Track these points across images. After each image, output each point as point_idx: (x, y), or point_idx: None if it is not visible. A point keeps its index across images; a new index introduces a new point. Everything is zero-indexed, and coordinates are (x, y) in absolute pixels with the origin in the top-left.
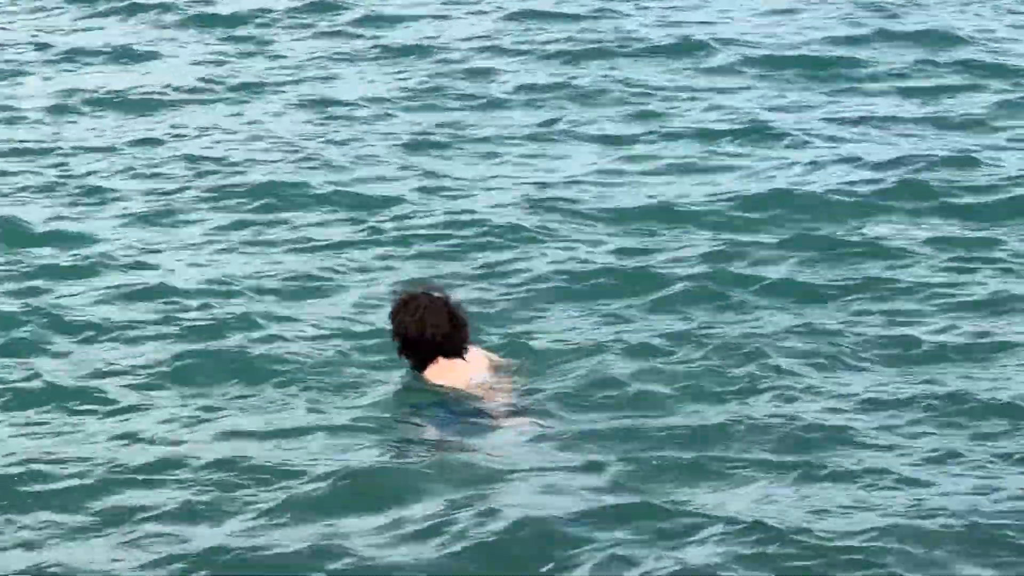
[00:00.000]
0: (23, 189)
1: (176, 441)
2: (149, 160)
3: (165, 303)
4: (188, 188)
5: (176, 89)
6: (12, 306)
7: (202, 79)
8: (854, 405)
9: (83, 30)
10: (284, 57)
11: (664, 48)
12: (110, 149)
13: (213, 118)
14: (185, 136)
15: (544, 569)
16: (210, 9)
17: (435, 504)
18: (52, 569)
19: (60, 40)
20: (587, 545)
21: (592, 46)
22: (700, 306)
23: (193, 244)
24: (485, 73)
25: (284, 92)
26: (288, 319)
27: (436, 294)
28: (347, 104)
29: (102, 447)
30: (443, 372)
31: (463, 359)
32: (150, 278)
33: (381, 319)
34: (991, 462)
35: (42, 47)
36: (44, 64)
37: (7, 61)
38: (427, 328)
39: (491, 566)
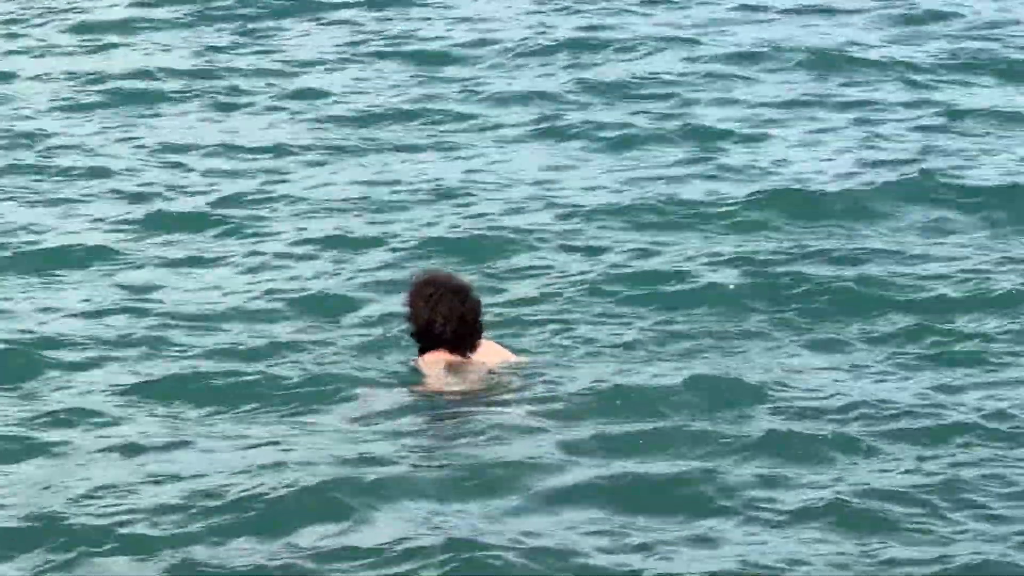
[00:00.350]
0: None
1: (166, 447)
2: (134, 161)
3: (158, 311)
4: (174, 193)
5: (165, 85)
6: None
7: (193, 74)
8: (868, 413)
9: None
10: (278, 53)
11: (670, 45)
12: (88, 150)
13: (201, 119)
14: (171, 136)
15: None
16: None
17: (416, 510)
18: None
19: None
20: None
21: (596, 43)
22: (708, 308)
23: (183, 250)
24: (486, 70)
25: (278, 91)
26: (287, 323)
27: (457, 282)
28: (342, 103)
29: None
30: (436, 366)
31: (466, 356)
32: (137, 285)
33: (382, 322)
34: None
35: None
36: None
37: None
38: (437, 318)
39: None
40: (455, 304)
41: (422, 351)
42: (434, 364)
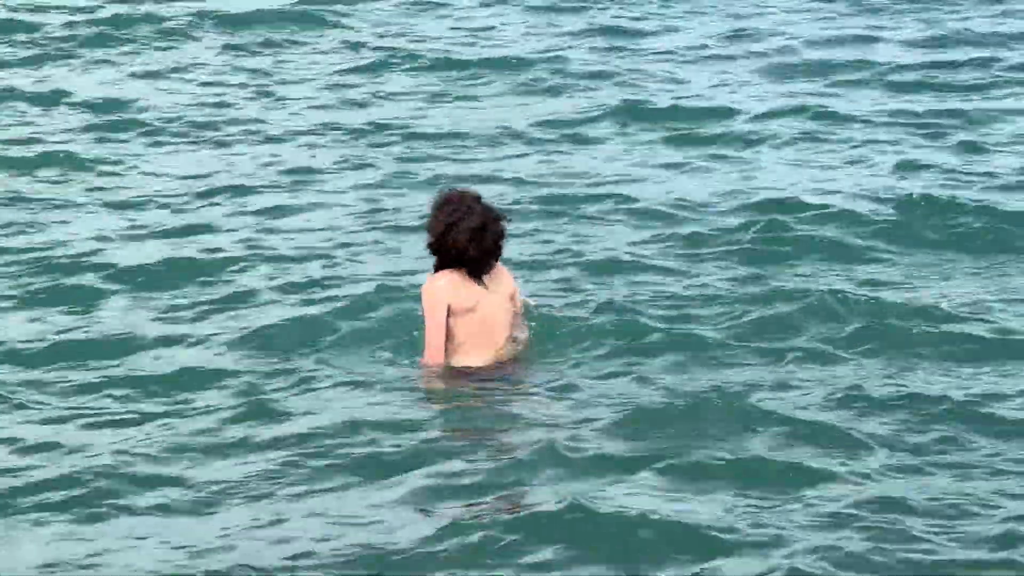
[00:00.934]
0: None
1: (167, 430)
2: (134, 174)
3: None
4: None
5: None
6: None
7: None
8: (877, 426)
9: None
10: (290, 63)
11: (669, 52)
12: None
13: (196, 126)
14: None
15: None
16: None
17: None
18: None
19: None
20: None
21: (594, 51)
22: (716, 312)
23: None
24: (493, 78)
25: (280, 105)
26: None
27: (485, 204)
28: (342, 117)
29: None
30: (447, 284)
31: (479, 279)
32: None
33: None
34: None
35: None
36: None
37: None
38: (460, 235)
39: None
40: (480, 223)
41: (438, 267)
42: (443, 290)
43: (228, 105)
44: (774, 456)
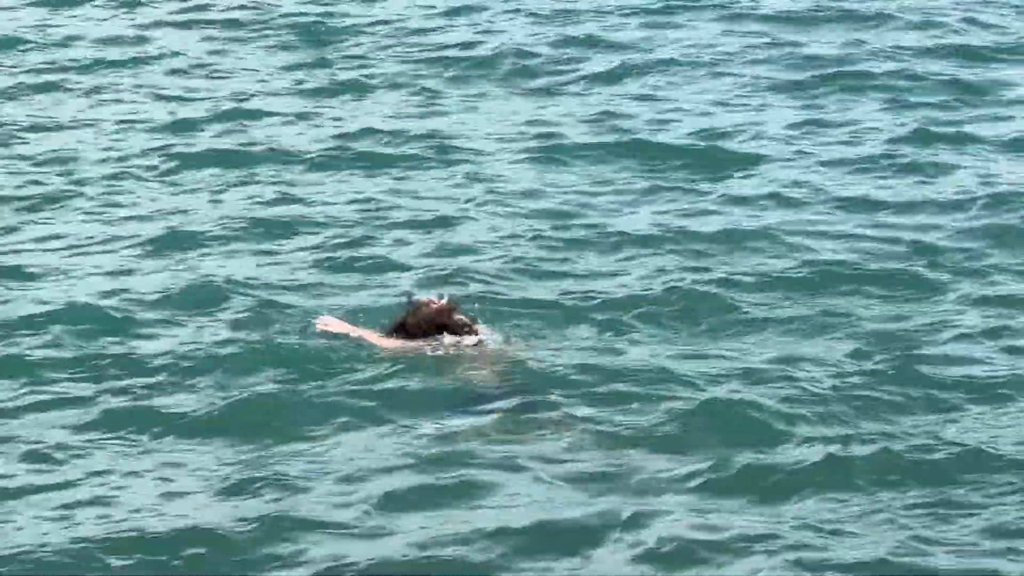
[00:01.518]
0: None
1: (178, 437)
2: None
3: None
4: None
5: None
6: None
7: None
8: (870, 438)
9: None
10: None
11: (656, 67)
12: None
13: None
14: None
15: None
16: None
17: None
18: None
19: None
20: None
21: (578, 70)
22: (705, 327)
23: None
24: (488, 85)
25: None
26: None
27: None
28: (340, 117)
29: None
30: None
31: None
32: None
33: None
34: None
35: None
36: None
37: None
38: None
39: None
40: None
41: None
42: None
43: (210, 117)
44: (778, 475)
